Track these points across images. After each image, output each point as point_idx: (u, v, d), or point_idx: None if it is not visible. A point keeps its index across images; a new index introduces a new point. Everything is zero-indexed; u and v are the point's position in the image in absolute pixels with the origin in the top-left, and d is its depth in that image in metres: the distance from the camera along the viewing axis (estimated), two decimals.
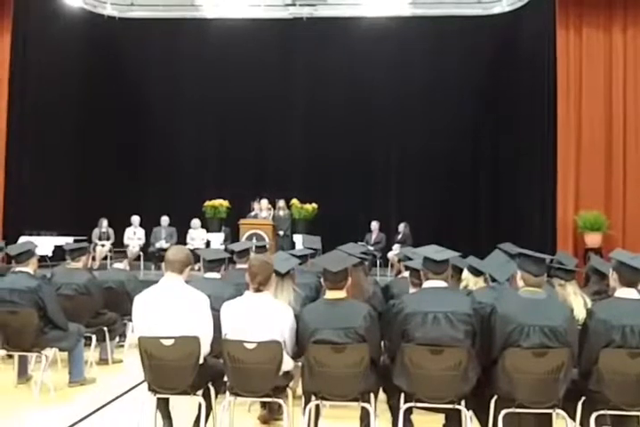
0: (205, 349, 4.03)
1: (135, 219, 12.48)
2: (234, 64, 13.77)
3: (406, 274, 5.15)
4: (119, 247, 11.92)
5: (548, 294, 4.02)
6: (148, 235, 12.44)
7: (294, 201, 12.59)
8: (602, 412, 3.74)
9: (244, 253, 6.11)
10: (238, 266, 5.99)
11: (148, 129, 14.26)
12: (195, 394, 4.06)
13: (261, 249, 6.76)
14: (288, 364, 4.00)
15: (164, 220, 12.49)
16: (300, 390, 4.15)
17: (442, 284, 3.98)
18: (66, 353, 5.69)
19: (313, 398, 3.95)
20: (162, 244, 12.09)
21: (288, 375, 4.09)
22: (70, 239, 9.64)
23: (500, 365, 3.71)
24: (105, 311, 6.38)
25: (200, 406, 4.09)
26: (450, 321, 3.76)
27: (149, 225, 12.50)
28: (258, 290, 4.02)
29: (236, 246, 6.49)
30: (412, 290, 4.58)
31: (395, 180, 14.09)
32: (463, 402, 3.81)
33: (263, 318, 3.95)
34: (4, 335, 5.26)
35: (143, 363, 3.99)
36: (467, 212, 13.50)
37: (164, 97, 14.32)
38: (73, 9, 13.11)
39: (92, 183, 13.12)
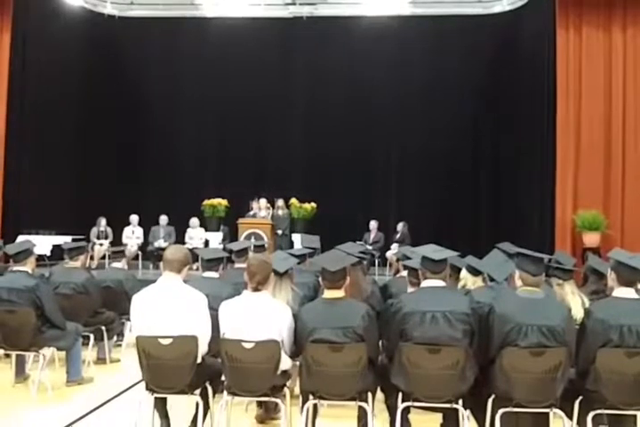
0: (203, 348, 4.03)
1: (134, 218, 12.48)
2: (234, 63, 13.77)
3: (405, 273, 5.16)
4: (117, 246, 11.90)
5: (546, 293, 4.02)
6: (146, 234, 12.44)
7: (293, 200, 12.59)
8: (599, 411, 3.74)
9: (243, 252, 6.12)
10: (237, 265, 6.00)
11: (148, 128, 14.25)
12: (192, 393, 4.05)
13: (260, 248, 6.76)
14: (286, 363, 4.00)
15: (163, 219, 12.50)
16: (297, 390, 4.15)
17: (440, 283, 3.98)
18: (63, 352, 5.68)
19: (311, 397, 3.95)
20: (160, 243, 12.09)
21: (286, 375, 4.09)
22: (68, 238, 9.62)
23: (498, 364, 3.71)
24: (103, 310, 6.38)
25: (197, 405, 4.09)
26: (448, 320, 3.77)
27: (148, 224, 12.50)
28: (256, 289, 4.02)
29: (234, 246, 6.50)
30: (410, 289, 4.59)
31: (394, 179, 14.08)
32: (461, 401, 3.81)
33: (261, 317, 3.95)
34: (1, 334, 5.26)
35: (141, 362, 3.99)
36: (466, 211, 13.48)
37: (164, 96, 14.31)
38: (73, 8, 13.11)
39: (91, 182, 13.11)
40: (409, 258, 4.95)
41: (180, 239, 12.09)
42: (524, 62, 12.41)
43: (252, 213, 12.31)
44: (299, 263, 5.40)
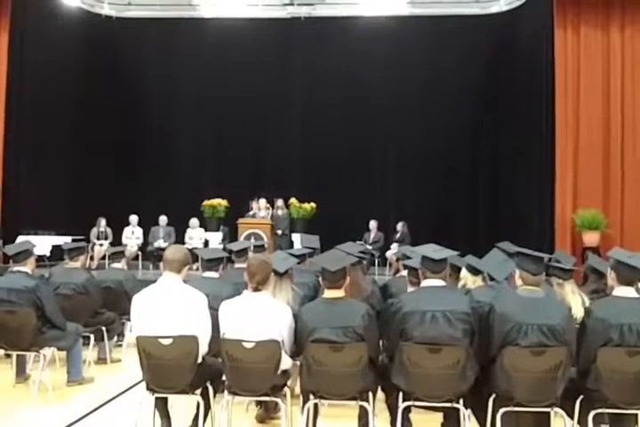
0: (204, 348, 4.03)
1: (133, 218, 12.47)
2: (231, 63, 13.78)
3: (404, 273, 5.16)
4: (117, 247, 11.89)
5: (547, 292, 4.03)
6: (146, 234, 12.44)
7: (293, 200, 12.59)
8: (600, 410, 3.74)
9: (243, 252, 6.13)
10: (237, 265, 6.00)
11: (146, 128, 14.24)
12: (193, 393, 4.06)
13: (260, 248, 6.75)
14: (286, 363, 4.00)
15: (163, 219, 12.50)
16: (298, 389, 4.15)
17: (440, 283, 3.98)
18: (64, 353, 5.68)
19: (311, 397, 3.95)
20: (160, 243, 12.09)
21: (286, 374, 4.09)
22: (68, 239, 9.62)
23: (499, 363, 3.72)
24: (103, 311, 6.38)
25: (198, 405, 4.09)
26: (448, 320, 3.77)
27: (147, 224, 12.50)
28: (256, 289, 4.02)
29: (234, 246, 6.50)
30: (410, 289, 4.59)
31: (393, 179, 14.09)
32: (461, 401, 3.82)
33: (261, 317, 3.95)
34: (2, 335, 5.25)
35: (141, 362, 3.99)
36: (465, 211, 13.50)
37: (162, 96, 14.31)
38: (70, 8, 13.09)
39: (90, 183, 13.10)
40: (409, 258, 4.94)
41: (180, 239, 12.09)
42: (521, 62, 12.42)
43: (251, 213, 12.31)
44: (299, 263, 5.40)
